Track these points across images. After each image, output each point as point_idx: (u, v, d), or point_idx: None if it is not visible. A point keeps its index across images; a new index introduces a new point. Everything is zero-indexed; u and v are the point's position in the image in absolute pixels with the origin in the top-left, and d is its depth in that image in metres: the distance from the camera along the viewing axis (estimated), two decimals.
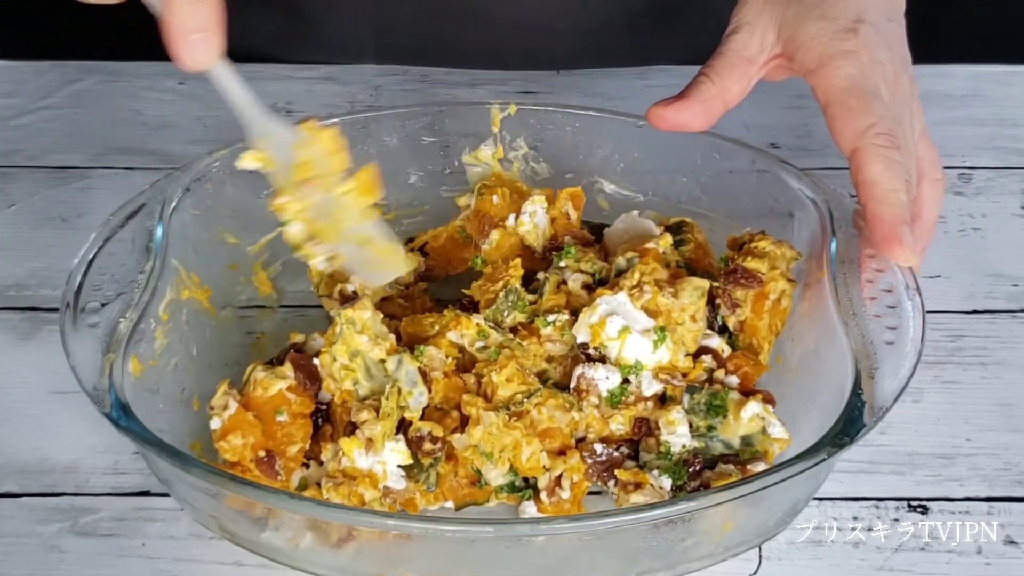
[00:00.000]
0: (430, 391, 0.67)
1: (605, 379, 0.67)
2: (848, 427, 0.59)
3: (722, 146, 0.77)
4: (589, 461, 0.66)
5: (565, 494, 0.65)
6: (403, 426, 0.66)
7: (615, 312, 0.68)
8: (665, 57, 1.00)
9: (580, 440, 0.68)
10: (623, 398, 0.67)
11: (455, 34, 0.97)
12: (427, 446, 0.65)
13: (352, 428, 0.66)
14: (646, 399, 0.68)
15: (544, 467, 0.66)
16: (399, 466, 0.65)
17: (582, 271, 0.72)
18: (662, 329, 0.67)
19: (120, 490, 0.69)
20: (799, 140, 0.94)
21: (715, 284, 0.71)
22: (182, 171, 0.73)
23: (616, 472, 0.66)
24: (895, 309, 0.65)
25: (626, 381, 0.68)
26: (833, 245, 0.69)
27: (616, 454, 0.67)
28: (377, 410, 0.65)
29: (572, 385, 0.68)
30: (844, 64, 0.70)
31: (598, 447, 0.67)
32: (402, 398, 0.66)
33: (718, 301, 0.71)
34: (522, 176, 0.82)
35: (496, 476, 0.66)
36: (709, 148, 0.77)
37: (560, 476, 0.65)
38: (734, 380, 0.68)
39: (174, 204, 0.71)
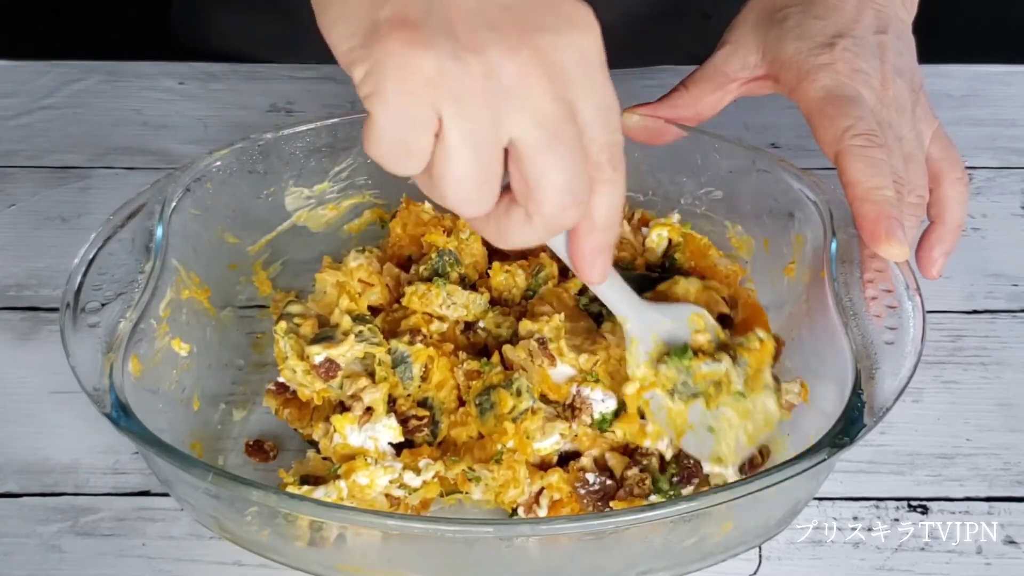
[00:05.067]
0: (425, 379, 0.68)
1: (601, 401, 0.66)
2: (848, 427, 0.59)
3: (722, 146, 0.77)
4: (582, 492, 0.65)
5: (542, 512, 0.64)
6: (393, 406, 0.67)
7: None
8: (665, 60, 1.00)
9: (572, 455, 0.67)
10: (613, 423, 0.66)
11: None
12: (414, 422, 0.66)
13: (342, 408, 0.66)
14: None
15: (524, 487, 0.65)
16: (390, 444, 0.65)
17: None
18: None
19: (120, 490, 0.69)
20: (799, 140, 0.93)
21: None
22: (182, 171, 0.73)
23: (611, 504, 0.65)
24: (895, 309, 0.65)
25: (622, 409, 0.66)
26: (833, 245, 0.69)
27: (610, 483, 0.65)
28: (372, 375, 0.66)
29: (567, 401, 0.67)
30: (820, 76, 0.71)
31: (590, 476, 0.65)
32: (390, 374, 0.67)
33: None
34: None
35: (479, 496, 0.66)
36: (709, 148, 0.77)
37: (540, 492, 0.65)
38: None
39: (174, 204, 0.71)
